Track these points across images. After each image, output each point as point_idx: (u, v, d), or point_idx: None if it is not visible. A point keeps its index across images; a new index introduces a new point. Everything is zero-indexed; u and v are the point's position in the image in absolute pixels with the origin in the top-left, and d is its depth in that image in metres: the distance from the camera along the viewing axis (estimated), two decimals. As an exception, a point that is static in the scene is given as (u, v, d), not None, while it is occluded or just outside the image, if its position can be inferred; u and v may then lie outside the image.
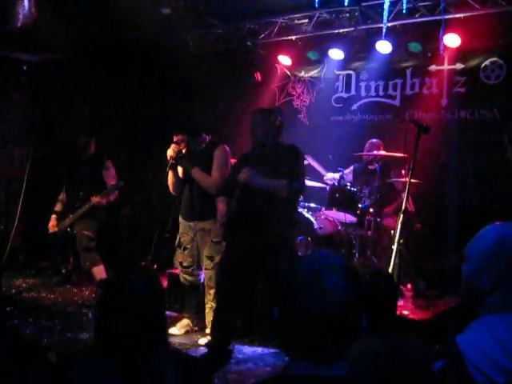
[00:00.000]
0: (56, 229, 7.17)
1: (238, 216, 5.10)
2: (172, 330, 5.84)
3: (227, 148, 5.85)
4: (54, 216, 7.24)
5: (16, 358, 2.75)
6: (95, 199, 6.87)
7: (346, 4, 6.70)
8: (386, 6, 6.40)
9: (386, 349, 2.28)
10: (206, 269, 5.79)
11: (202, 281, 5.95)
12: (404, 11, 6.75)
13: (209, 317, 5.72)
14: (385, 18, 6.62)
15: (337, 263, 1.69)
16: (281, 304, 1.69)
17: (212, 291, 5.69)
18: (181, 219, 5.98)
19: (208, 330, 5.64)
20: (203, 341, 5.68)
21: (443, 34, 6.92)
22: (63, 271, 7.69)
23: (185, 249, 5.92)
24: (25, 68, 7.92)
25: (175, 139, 5.82)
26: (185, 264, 5.96)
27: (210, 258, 5.73)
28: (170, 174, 5.94)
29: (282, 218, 4.93)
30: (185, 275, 6.00)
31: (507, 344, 1.90)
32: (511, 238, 2.04)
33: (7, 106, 8.47)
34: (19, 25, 6.66)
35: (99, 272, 6.93)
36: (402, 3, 6.65)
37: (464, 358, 1.92)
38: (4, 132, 8.50)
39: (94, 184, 7.06)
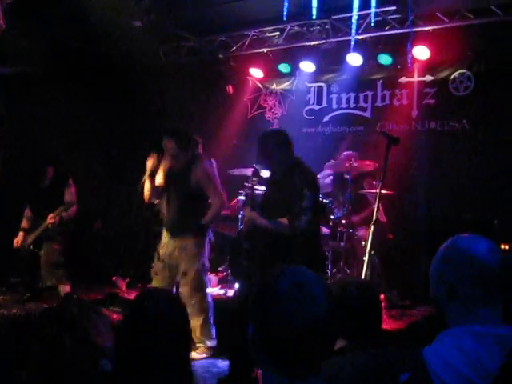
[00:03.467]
0: (19, 244, 7.18)
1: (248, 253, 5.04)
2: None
3: (210, 161, 5.76)
4: (21, 233, 7.26)
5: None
6: (50, 219, 6.94)
7: (314, 17, 6.71)
8: (354, 19, 6.46)
9: (367, 366, 2.28)
10: (183, 285, 5.71)
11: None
12: (372, 24, 6.82)
13: (197, 332, 5.63)
14: (353, 31, 6.69)
15: (317, 277, 1.71)
16: (258, 316, 1.68)
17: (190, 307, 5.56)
18: (164, 231, 5.91)
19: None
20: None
21: (411, 47, 7.01)
22: (38, 286, 7.57)
23: (162, 261, 5.84)
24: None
25: (163, 143, 5.66)
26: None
27: (184, 274, 5.65)
28: (147, 183, 5.84)
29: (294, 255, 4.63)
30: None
31: (471, 355, 1.90)
32: (457, 252, 2.09)
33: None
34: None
35: (65, 289, 6.99)
36: (371, 16, 6.71)
37: (429, 369, 1.92)
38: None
39: (55, 202, 7.08)
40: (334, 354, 2.46)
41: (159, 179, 5.79)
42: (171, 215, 5.78)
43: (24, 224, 7.31)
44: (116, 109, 8.86)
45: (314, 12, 6.37)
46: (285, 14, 6.54)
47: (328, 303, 1.67)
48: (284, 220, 4.63)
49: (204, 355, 5.69)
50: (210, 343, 5.74)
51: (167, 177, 5.74)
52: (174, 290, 5.79)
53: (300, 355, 1.62)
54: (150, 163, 5.77)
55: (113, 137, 8.92)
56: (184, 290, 5.64)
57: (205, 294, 5.75)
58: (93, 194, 8.19)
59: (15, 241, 7.21)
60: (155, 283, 5.84)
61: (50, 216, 6.99)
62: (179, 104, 8.83)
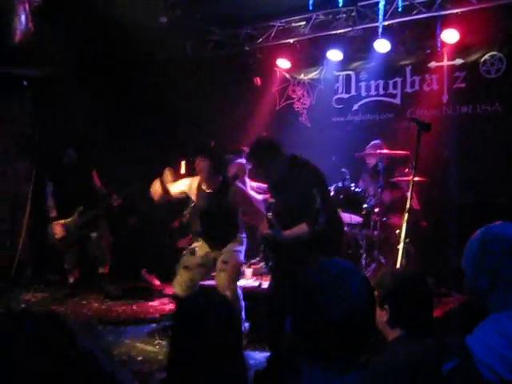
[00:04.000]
0: (64, 233, 7.32)
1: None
2: None
3: (241, 187, 5.97)
4: (55, 223, 7.39)
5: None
6: (115, 201, 7.39)
7: (340, 5, 6.65)
8: (381, 5, 6.39)
9: (418, 356, 2.26)
10: (221, 271, 5.79)
11: None
12: (400, 9, 6.73)
13: None
14: (380, 16, 6.61)
15: (355, 268, 1.71)
16: (296, 309, 1.67)
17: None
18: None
19: None
20: (260, 355, 5.52)
21: (440, 31, 6.90)
22: (70, 281, 7.71)
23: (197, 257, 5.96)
24: (25, 83, 7.93)
25: (196, 162, 5.77)
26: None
27: (225, 262, 5.77)
28: (158, 186, 5.96)
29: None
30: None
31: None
32: (495, 240, 2.08)
33: (10, 122, 8.48)
34: (17, 40, 6.67)
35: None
36: (398, 1, 6.63)
37: (473, 357, 1.92)
38: (7, 148, 8.52)
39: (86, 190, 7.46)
40: (390, 343, 2.47)
41: (188, 192, 5.98)
42: (208, 231, 5.98)
43: (53, 213, 7.47)
44: (143, 106, 8.90)
45: (341, 0, 6.30)
46: (310, 2, 6.48)
47: (366, 294, 1.66)
48: (303, 227, 4.62)
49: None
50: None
51: (200, 198, 5.92)
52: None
53: (339, 347, 1.61)
54: (167, 175, 5.98)
55: (141, 134, 8.96)
56: (222, 277, 5.74)
57: (237, 287, 5.84)
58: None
59: (56, 231, 7.36)
60: (182, 277, 5.91)
61: (114, 197, 7.38)
62: (207, 98, 8.85)
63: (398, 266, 4.27)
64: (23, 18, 6.69)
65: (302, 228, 4.62)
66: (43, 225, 7.76)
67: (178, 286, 5.90)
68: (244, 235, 6.03)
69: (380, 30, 6.90)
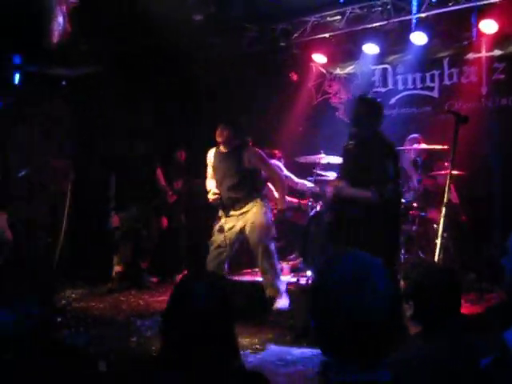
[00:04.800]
0: (119, 224, 7.80)
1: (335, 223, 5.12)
2: None
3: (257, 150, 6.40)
4: (114, 213, 7.82)
5: (67, 368, 2.76)
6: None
7: None
8: (414, -2, 6.29)
9: (442, 351, 2.22)
10: (250, 233, 6.14)
11: None
12: (434, 1, 6.62)
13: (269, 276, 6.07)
14: (414, 9, 6.51)
15: (379, 264, 1.64)
16: (316, 307, 1.63)
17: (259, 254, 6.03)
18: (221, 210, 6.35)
19: None
20: (298, 351, 5.48)
21: (477, 21, 6.77)
22: (113, 274, 7.84)
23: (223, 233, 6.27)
24: (64, 83, 8.05)
25: (218, 131, 6.22)
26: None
27: (252, 223, 6.13)
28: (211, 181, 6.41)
29: (377, 227, 4.69)
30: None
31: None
32: None
33: (48, 121, 8.60)
34: (55, 41, 6.76)
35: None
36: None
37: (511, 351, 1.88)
38: (47, 146, 8.64)
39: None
40: (410, 339, 2.43)
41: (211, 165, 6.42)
42: (228, 193, 6.22)
43: (112, 204, 7.88)
44: (179, 104, 8.95)
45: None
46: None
47: (390, 293, 1.60)
48: (371, 190, 4.64)
49: (285, 301, 6.05)
50: (281, 287, 6.13)
51: (218, 161, 6.32)
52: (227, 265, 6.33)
53: (362, 347, 1.56)
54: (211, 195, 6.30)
55: (177, 132, 9.00)
56: (252, 236, 6.08)
57: (272, 240, 6.13)
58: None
59: (114, 220, 7.80)
60: (213, 254, 6.22)
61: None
62: (243, 95, 8.85)
63: (436, 260, 4.20)
64: (61, 19, 6.78)
65: (369, 192, 4.63)
66: (83, 222, 7.92)
67: (210, 264, 6.20)
68: (266, 200, 6.35)
69: (414, 22, 6.80)
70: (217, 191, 6.26)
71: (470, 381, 1.98)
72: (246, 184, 6.19)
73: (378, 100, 5.26)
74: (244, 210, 6.19)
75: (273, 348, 5.67)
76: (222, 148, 6.31)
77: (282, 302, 6.04)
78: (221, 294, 2.15)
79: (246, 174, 6.20)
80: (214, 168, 6.38)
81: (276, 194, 6.88)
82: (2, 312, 2.55)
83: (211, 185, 6.40)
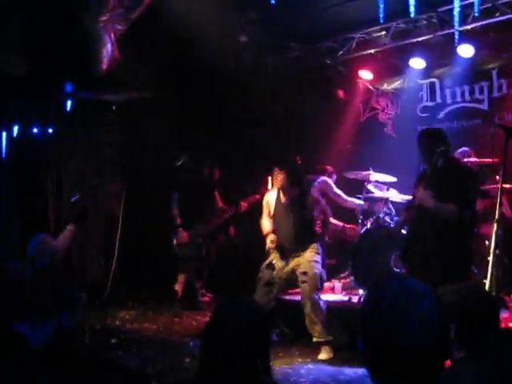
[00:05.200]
0: (187, 241, 7.89)
1: (411, 239, 5.08)
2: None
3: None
4: (181, 229, 7.90)
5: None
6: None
7: (413, 14, 6.51)
8: (456, 11, 6.21)
9: (486, 373, 2.17)
10: (302, 283, 5.92)
11: None
12: (476, 14, 6.53)
13: (318, 328, 5.81)
14: (456, 23, 6.43)
15: (425, 289, 1.62)
16: (364, 333, 1.62)
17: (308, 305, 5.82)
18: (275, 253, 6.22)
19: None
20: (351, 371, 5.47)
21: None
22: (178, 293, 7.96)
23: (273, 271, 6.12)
24: (114, 108, 8.24)
25: (274, 174, 6.06)
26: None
27: (304, 273, 5.89)
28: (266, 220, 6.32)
29: (452, 245, 4.67)
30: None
31: None
32: None
33: (100, 145, 8.81)
34: (105, 68, 6.94)
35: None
36: (475, 6, 6.44)
37: None
38: (99, 170, 8.85)
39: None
40: (453, 363, 2.37)
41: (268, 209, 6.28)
42: (284, 241, 6.09)
43: (178, 221, 7.93)
44: (231, 122, 9.02)
45: (412, 9, 6.19)
46: (381, 16, 6.40)
47: (439, 319, 1.57)
48: (452, 206, 4.57)
49: (331, 355, 5.80)
50: (329, 340, 5.85)
51: (277, 209, 6.17)
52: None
53: (409, 374, 1.54)
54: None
55: (230, 149, 9.07)
56: (303, 287, 5.87)
57: (318, 297, 5.91)
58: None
59: (180, 236, 7.88)
60: (261, 292, 6.02)
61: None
62: (291, 114, 8.88)
63: (489, 277, 4.10)
64: (109, 46, 6.97)
65: (451, 206, 4.57)
66: (135, 244, 8.07)
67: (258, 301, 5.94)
68: (319, 245, 6.11)
69: (456, 36, 6.70)
70: (274, 238, 6.14)
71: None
72: (304, 235, 6.05)
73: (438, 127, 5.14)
74: (298, 253, 6.06)
75: (325, 367, 5.63)
76: (281, 195, 6.16)
77: (327, 354, 5.82)
78: (260, 314, 2.22)
79: (304, 225, 6.07)
80: (273, 213, 6.25)
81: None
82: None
83: (267, 226, 6.28)
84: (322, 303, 5.89)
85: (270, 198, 6.30)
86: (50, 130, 8.15)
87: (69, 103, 7.93)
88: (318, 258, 6.01)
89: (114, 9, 6.79)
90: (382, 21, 6.59)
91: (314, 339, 5.87)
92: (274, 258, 6.11)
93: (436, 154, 4.67)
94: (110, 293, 7.57)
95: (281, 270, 6.05)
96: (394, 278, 1.67)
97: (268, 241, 6.18)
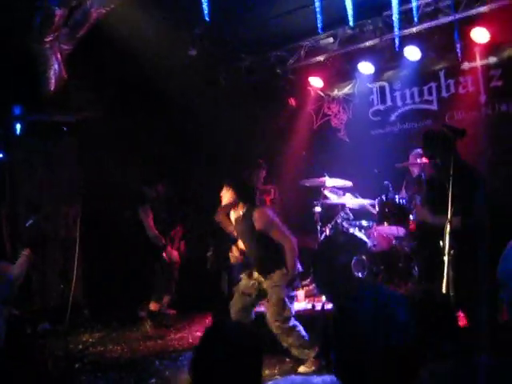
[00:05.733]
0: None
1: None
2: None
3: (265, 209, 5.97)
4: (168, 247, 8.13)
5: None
6: None
7: (351, 24, 6.56)
8: (395, 17, 6.32)
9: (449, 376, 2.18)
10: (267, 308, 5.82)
11: None
12: (415, 18, 6.65)
13: (293, 351, 5.71)
14: (396, 28, 6.52)
15: (402, 296, 1.65)
16: (338, 342, 1.62)
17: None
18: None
19: None
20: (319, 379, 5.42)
21: (467, 31, 6.80)
22: (148, 312, 7.93)
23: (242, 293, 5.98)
24: (65, 129, 8.12)
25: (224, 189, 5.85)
26: None
27: (267, 300, 5.79)
28: (236, 249, 6.13)
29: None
30: None
31: None
32: None
33: (55, 167, 8.67)
34: (52, 89, 6.85)
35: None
36: (413, 11, 6.57)
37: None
38: (56, 193, 8.70)
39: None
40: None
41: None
42: (251, 257, 5.90)
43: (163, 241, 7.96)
44: (184, 140, 8.99)
45: (351, 18, 6.26)
46: (319, 26, 6.44)
47: (412, 323, 1.59)
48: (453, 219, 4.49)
49: (312, 367, 5.66)
50: (312, 354, 5.68)
51: (235, 224, 5.94)
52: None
53: (387, 377, 1.54)
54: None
55: (184, 164, 9.04)
56: (268, 314, 5.70)
57: (287, 318, 5.69)
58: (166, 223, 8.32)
59: (175, 255, 8.14)
60: (237, 302, 5.90)
61: None
62: (244, 125, 8.88)
63: (445, 279, 4.13)
64: (56, 66, 6.88)
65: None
66: (95, 266, 7.97)
67: (232, 310, 5.88)
68: (283, 269, 5.73)
69: (397, 41, 6.79)
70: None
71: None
72: (262, 252, 5.74)
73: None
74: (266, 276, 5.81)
75: (293, 378, 5.60)
76: (233, 213, 5.93)
77: (306, 368, 5.68)
78: (251, 331, 2.25)
79: (260, 240, 5.73)
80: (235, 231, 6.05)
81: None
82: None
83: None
84: (289, 325, 5.68)
85: (233, 215, 6.03)
86: (1, 155, 7.98)
87: (18, 127, 7.80)
88: (281, 282, 5.66)
89: (59, 28, 6.72)
90: (320, 30, 6.61)
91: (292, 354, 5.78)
92: (245, 282, 5.92)
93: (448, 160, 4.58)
94: (71, 316, 7.42)
95: (259, 282, 5.86)
96: (366, 287, 1.66)
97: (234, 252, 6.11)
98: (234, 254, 6.12)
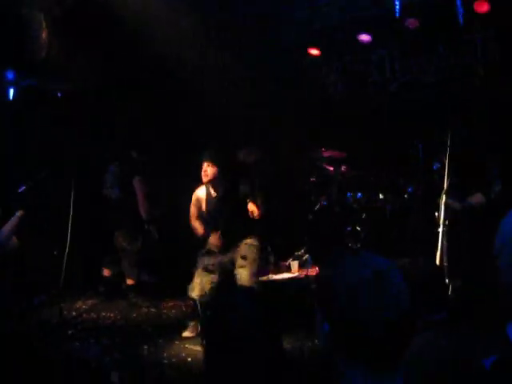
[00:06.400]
0: None
1: None
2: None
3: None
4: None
5: (80, 380, 2.77)
6: None
7: None
8: None
9: (448, 346, 2.19)
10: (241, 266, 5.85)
11: None
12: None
13: None
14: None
15: (394, 265, 1.60)
16: (335, 314, 1.57)
17: None
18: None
19: None
20: None
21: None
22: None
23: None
24: (59, 95, 8.01)
25: (204, 167, 5.84)
26: None
27: (244, 257, 5.82)
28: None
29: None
30: None
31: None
32: None
33: (48, 135, 8.57)
34: (44, 54, 6.76)
35: None
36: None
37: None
38: (47, 161, 8.61)
39: None
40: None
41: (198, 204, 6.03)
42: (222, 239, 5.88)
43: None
44: (177, 118, 8.82)
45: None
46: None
47: (406, 291, 1.56)
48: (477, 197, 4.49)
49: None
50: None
51: (208, 203, 5.96)
52: None
53: (382, 348, 1.51)
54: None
55: (177, 146, 8.90)
56: (242, 273, 5.77)
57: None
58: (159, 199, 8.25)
59: None
60: (202, 280, 5.88)
61: None
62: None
63: (439, 249, 4.14)
64: (47, 31, 6.78)
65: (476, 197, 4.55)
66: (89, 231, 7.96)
67: (195, 290, 5.87)
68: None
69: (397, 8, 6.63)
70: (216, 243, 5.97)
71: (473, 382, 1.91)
72: (239, 230, 5.89)
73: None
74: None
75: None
76: (211, 190, 5.99)
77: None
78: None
79: (239, 219, 5.88)
80: (205, 208, 6.02)
81: None
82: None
83: (199, 227, 6.05)
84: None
85: (200, 194, 6.06)
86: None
87: (11, 91, 7.69)
88: (258, 244, 5.88)
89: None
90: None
91: None
92: (208, 258, 5.95)
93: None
94: (65, 284, 7.41)
95: (219, 259, 5.91)
96: (360, 255, 1.63)
97: (212, 245, 5.98)
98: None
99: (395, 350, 1.53)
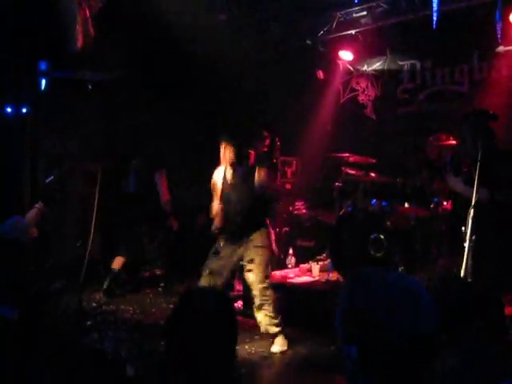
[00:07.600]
0: None
1: None
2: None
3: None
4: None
5: (95, 372, 2.78)
6: None
7: None
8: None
9: (459, 366, 2.14)
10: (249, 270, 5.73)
11: None
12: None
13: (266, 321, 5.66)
14: (435, 4, 6.34)
15: (420, 283, 1.57)
16: (368, 336, 1.52)
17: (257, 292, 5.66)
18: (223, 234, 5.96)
19: None
20: None
21: (506, 13, 6.58)
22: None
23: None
24: (90, 86, 8.08)
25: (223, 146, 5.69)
26: None
27: (251, 261, 5.68)
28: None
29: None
30: None
31: None
32: None
33: (78, 124, 8.66)
34: (79, 46, 6.80)
35: None
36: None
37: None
38: (78, 149, 8.70)
39: None
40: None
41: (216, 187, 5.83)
42: (233, 217, 5.74)
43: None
44: (207, 108, 8.89)
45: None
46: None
47: (433, 308, 1.53)
48: (483, 189, 4.48)
49: (284, 347, 5.67)
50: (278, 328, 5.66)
51: (223, 186, 5.76)
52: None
53: (411, 369, 1.49)
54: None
55: (204, 132, 8.94)
56: (250, 276, 5.66)
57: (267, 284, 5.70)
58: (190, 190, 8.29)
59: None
60: (205, 282, 5.73)
61: None
62: (270, 95, 8.78)
63: (464, 265, 4.06)
64: (84, 23, 6.82)
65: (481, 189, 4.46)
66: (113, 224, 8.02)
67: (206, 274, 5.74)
68: (267, 227, 5.83)
69: (435, 19, 6.60)
70: (219, 219, 5.78)
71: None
72: (253, 215, 5.68)
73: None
74: (247, 236, 5.70)
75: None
76: (228, 173, 5.75)
77: (280, 345, 5.66)
78: (226, 298, 2.20)
79: (254, 204, 5.66)
80: (220, 193, 5.79)
81: None
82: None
83: (214, 209, 5.82)
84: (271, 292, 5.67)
85: (217, 178, 5.83)
86: (24, 110, 7.99)
87: (43, 82, 7.77)
88: (266, 243, 5.72)
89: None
90: (356, 1, 6.46)
91: (262, 329, 5.71)
92: (222, 244, 5.77)
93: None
94: (86, 274, 7.47)
95: (227, 259, 5.74)
96: (388, 274, 1.59)
97: (213, 224, 5.83)
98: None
99: (418, 364, 1.50)
